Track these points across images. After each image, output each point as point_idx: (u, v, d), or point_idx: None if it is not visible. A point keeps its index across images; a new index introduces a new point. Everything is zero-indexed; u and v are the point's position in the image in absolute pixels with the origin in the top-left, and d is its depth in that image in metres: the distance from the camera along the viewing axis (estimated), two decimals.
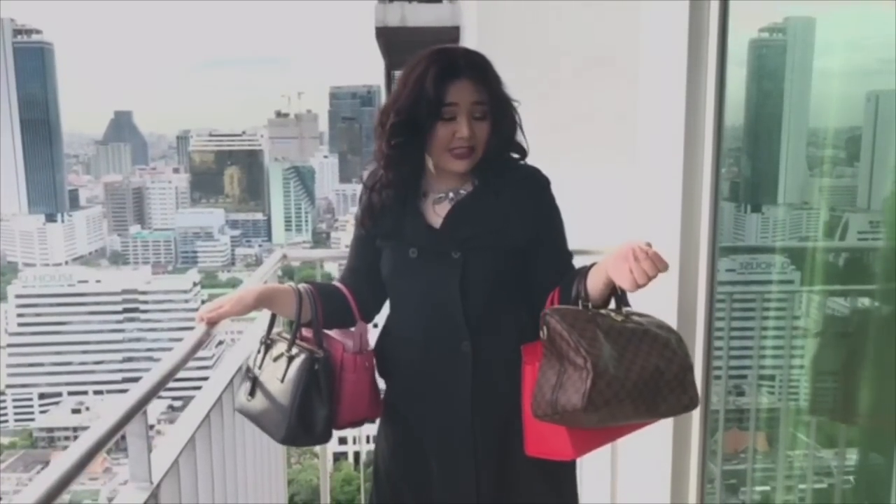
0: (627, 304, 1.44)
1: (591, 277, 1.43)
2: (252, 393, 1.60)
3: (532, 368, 1.44)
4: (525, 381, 1.47)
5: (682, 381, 1.38)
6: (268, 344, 1.62)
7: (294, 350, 1.55)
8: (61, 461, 1.01)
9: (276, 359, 1.57)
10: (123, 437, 1.25)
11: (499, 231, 1.54)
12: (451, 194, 1.58)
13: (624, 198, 2.39)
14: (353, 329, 1.64)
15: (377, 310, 1.72)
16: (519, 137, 1.59)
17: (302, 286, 1.61)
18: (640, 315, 1.44)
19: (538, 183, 1.59)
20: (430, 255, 1.55)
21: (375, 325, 1.71)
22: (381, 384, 1.68)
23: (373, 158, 1.61)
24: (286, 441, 1.57)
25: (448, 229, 1.54)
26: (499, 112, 1.53)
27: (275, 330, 1.65)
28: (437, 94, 1.48)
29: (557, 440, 1.41)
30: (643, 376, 1.33)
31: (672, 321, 2.07)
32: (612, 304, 1.45)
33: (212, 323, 1.59)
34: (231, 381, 1.80)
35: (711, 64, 2.01)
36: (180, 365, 1.42)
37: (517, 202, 1.55)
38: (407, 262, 1.56)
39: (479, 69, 1.52)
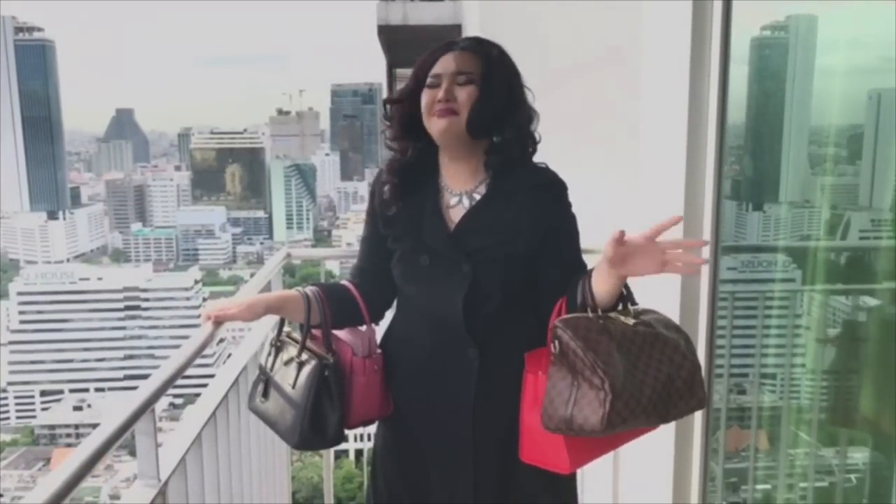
0: (634, 303, 1.42)
1: (596, 277, 1.40)
2: (265, 395, 1.61)
3: (534, 378, 1.41)
4: (526, 390, 1.44)
5: (692, 385, 1.36)
6: (278, 347, 1.62)
7: (304, 356, 1.55)
8: (74, 457, 1.02)
9: (286, 363, 1.58)
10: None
11: (510, 240, 1.51)
12: (464, 198, 1.56)
13: (626, 196, 2.40)
14: (362, 328, 1.63)
15: (386, 308, 1.72)
16: (527, 133, 1.55)
17: (310, 290, 1.60)
18: (647, 313, 1.41)
19: (553, 189, 1.56)
20: (441, 264, 1.54)
21: (377, 325, 1.71)
22: None
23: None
24: (300, 446, 1.58)
25: (459, 238, 1.53)
26: (491, 80, 1.50)
27: (284, 330, 1.65)
28: (424, 65, 1.52)
29: (554, 452, 1.38)
30: (657, 389, 1.31)
31: (674, 319, 2.08)
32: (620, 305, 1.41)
33: (218, 322, 1.60)
34: (237, 379, 1.81)
35: (714, 62, 2.01)
36: (188, 363, 1.43)
37: (530, 209, 1.52)
38: (417, 268, 1.56)
39: (475, 43, 1.54)
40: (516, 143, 1.53)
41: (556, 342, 1.33)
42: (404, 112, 1.56)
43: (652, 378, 1.31)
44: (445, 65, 1.51)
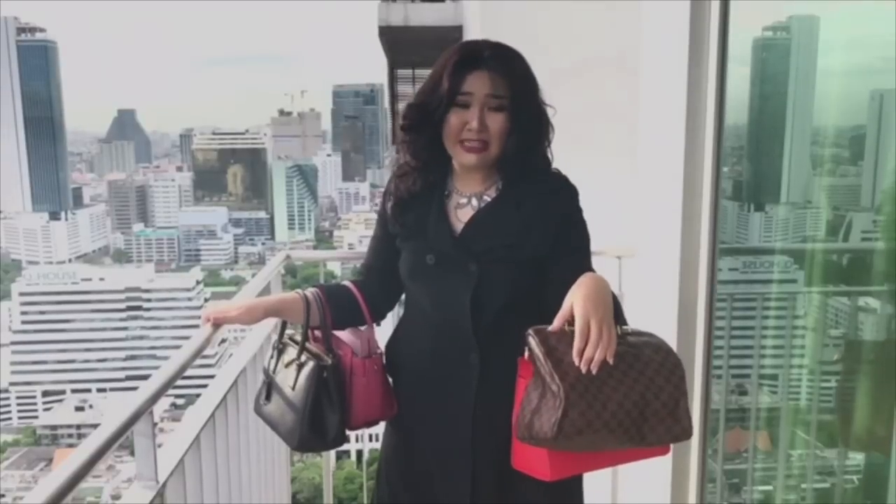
0: (624, 323, 1.39)
1: (564, 303, 1.37)
2: (268, 397, 1.61)
3: (524, 382, 1.41)
4: (517, 394, 1.43)
5: (673, 411, 1.34)
6: (280, 348, 1.63)
7: (303, 357, 1.55)
8: (72, 459, 1.02)
9: (287, 364, 1.58)
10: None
11: (517, 244, 1.51)
12: (473, 200, 1.56)
13: (625, 197, 2.40)
14: (363, 329, 1.64)
15: (389, 309, 1.72)
16: (545, 148, 1.55)
17: (310, 292, 1.60)
18: (637, 335, 1.39)
19: (564, 195, 1.55)
20: (447, 263, 1.53)
21: (378, 325, 1.71)
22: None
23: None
24: (300, 448, 1.58)
25: (466, 240, 1.53)
26: (521, 108, 1.48)
27: (287, 331, 1.65)
28: (453, 82, 1.47)
29: (538, 459, 1.37)
30: (624, 406, 1.29)
31: (672, 320, 2.08)
32: None
33: (217, 324, 1.60)
34: (235, 381, 1.81)
35: (712, 63, 2.01)
36: (187, 364, 1.43)
37: (539, 214, 1.51)
38: (424, 268, 1.55)
39: (503, 62, 1.49)
40: (525, 147, 1.53)
41: (527, 349, 1.34)
42: (426, 126, 1.52)
43: (620, 395, 1.30)
44: (477, 85, 1.47)
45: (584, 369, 1.28)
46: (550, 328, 1.34)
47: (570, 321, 1.33)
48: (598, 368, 1.29)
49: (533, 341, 1.32)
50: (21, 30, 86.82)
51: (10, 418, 50.69)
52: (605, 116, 2.61)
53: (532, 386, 1.34)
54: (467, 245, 1.52)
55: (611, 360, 1.29)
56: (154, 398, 1.25)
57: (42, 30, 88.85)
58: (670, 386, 1.34)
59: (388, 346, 1.67)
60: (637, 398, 1.31)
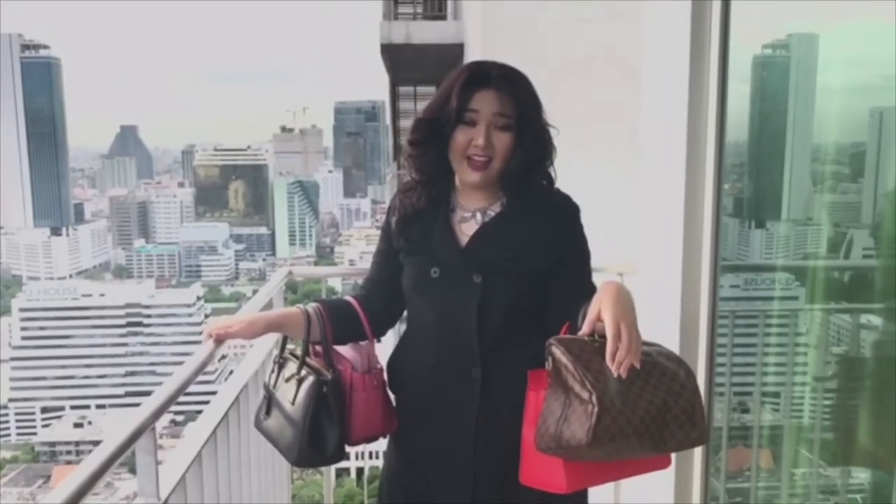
0: None
1: (591, 308, 1.38)
2: (268, 412, 1.61)
3: (535, 395, 1.41)
4: (528, 408, 1.44)
5: (691, 416, 1.36)
6: (280, 363, 1.63)
7: (303, 372, 1.56)
8: (77, 474, 1.02)
9: (287, 379, 1.58)
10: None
11: (521, 256, 1.53)
12: (478, 214, 1.58)
13: (627, 214, 2.40)
14: (363, 344, 1.64)
15: (390, 324, 1.73)
16: (548, 167, 1.57)
17: (311, 307, 1.61)
18: (648, 345, 1.40)
19: (566, 210, 1.58)
20: (451, 275, 1.55)
21: (379, 341, 1.72)
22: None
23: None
24: (299, 463, 1.58)
25: (471, 252, 1.54)
26: (525, 128, 1.51)
27: (288, 346, 1.65)
28: (461, 100, 1.50)
29: (552, 472, 1.38)
30: (650, 411, 1.31)
31: (674, 337, 2.08)
32: None
33: (220, 340, 1.60)
34: (237, 397, 1.81)
35: (713, 81, 2.02)
36: (189, 381, 1.43)
37: (543, 228, 1.54)
38: (428, 281, 1.57)
39: (510, 82, 1.52)
40: (529, 166, 1.55)
41: (550, 359, 1.35)
42: (433, 141, 1.55)
43: (646, 401, 1.32)
44: (484, 103, 1.50)
45: (615, 373, 1.29)
46: (578, 334, 1.36)
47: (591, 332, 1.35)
48: (627, 373, 1.30)
49: (557, 351, 1.33)
50: (25, 46, 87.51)
51: (8, 435, 50.49)
52: (606, 133, 2.63)
53: (552, 396, 1.34)
54: (472, 257, 1.54)
55: (637, 365, 1.31)
56: (157, 414, 1.25)
57: (46, 46, 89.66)
58: (687, 392, 1.37)
59: (389, 362, 1.67)
60: (660, 403, 1.33)
